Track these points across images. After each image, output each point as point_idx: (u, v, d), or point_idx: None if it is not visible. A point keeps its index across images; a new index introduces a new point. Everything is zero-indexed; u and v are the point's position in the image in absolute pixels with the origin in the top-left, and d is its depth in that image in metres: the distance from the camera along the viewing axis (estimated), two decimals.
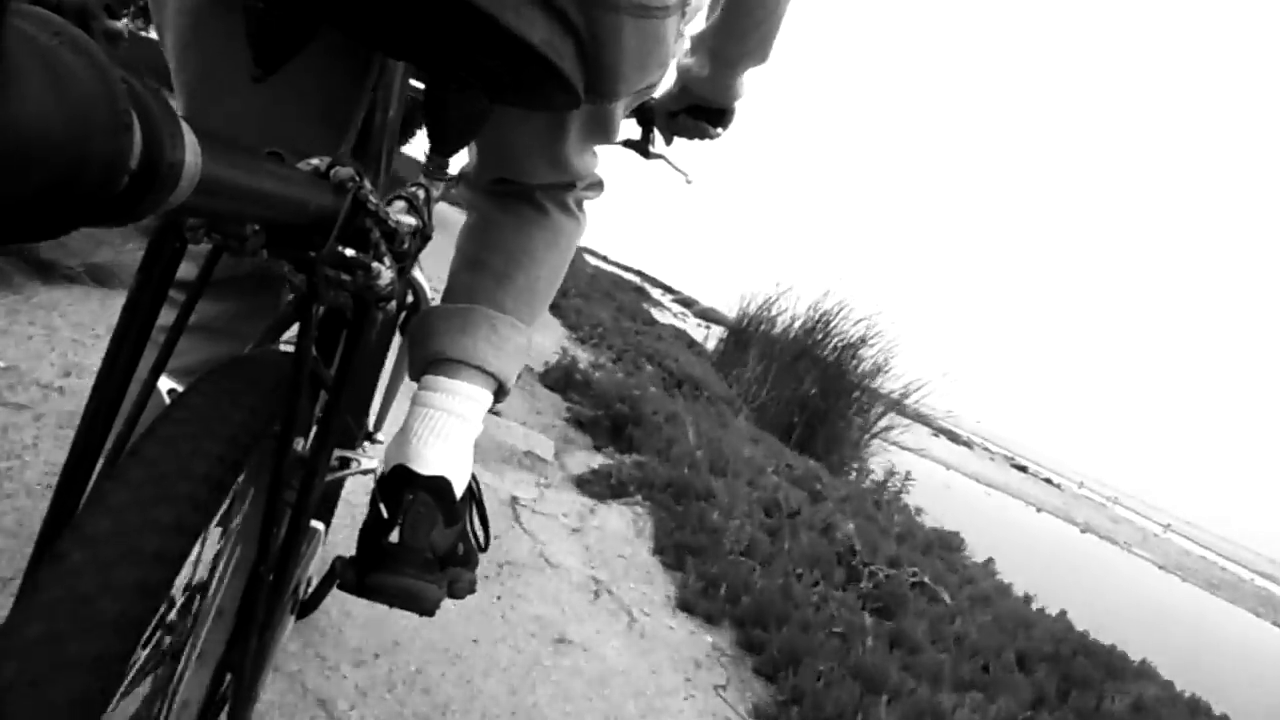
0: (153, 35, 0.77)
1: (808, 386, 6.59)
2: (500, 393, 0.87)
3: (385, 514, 0.76)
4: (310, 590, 0.85)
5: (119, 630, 0.38)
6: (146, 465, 0.43)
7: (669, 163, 1.18)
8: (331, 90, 0.76)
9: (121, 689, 0.58)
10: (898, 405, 7.22)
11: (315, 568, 0.98)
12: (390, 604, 0.75)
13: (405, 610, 0.76)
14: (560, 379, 3.69)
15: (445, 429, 0.79)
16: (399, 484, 0.77)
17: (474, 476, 0.86)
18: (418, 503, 0.75)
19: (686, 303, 16.53)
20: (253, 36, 0.54)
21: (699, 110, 1.05)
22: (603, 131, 0.88)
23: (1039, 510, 14.64)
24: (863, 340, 7.12)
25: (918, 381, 7.24)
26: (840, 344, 7.12)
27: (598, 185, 1.01)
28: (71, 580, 0.38)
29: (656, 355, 5.13)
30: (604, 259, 15.87)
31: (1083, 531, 14.47)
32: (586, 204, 1.01)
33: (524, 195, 0.93)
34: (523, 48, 0.53)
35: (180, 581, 0.63)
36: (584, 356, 4.35)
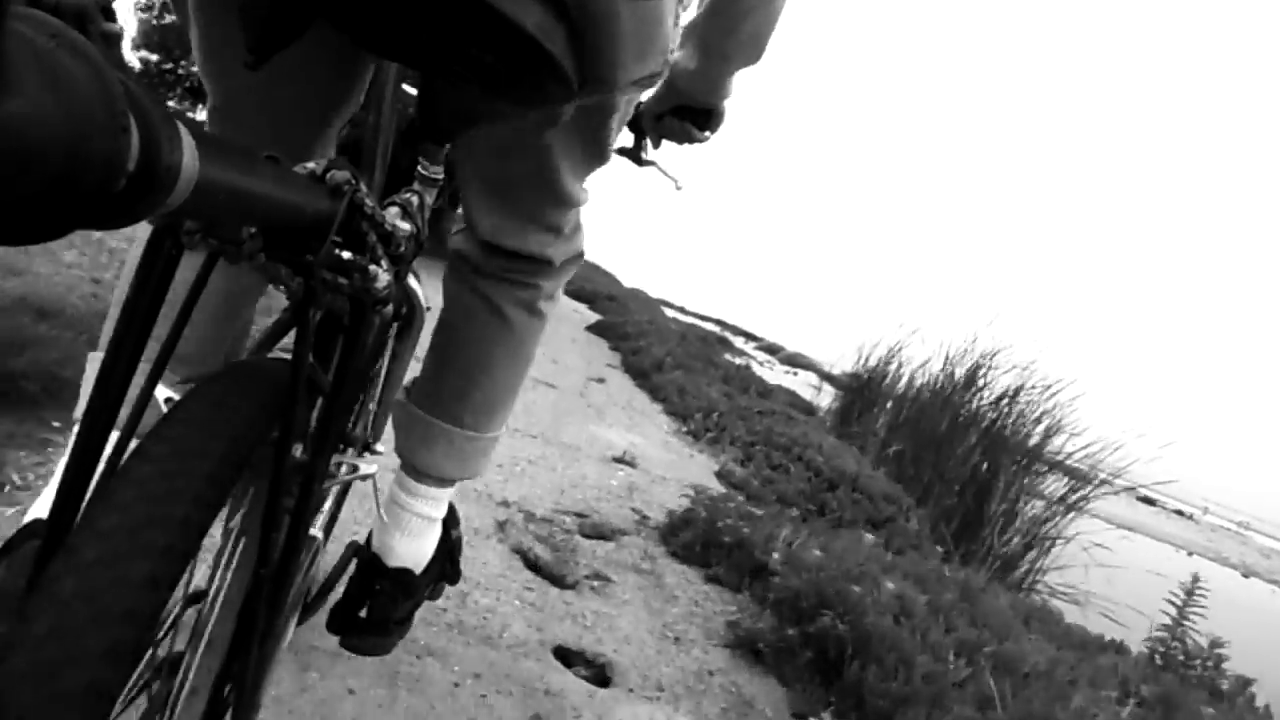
0: None
1: (973, 459, 5.14)
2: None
3: (358, 594, 0.95)
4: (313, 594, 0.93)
5: (119, 646, 0.38)
6: (145, 474, 0.43)
7: (660, 169, 1.17)
8: (326, 95, 0.76)
9: (121, 702, 0.57)
10: (1085, 474, 5.24)
11: (315, 576, 0.97)
12: (358, 654, 0.98)
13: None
14: (696, 542, 2.25)
15: (410, 527, 0.94)
16: (371, 572, 0.94)
17: (450, 507, 1.02)
18: (384, 591, 0.93)
19: (771, 349, 16.05)
20: (247, 22, 0.54)
21: (685, 111, 1.04)
22: (598, 152, 0.87)
23: (1189, 554, 12.32)
24: (1026, 394, 5.48)
25: (1104, 442, 5.23)
26: (1005, 401, 5.51)
27: (576, 259, 1.00)
28: (71, 593, 0.38)
29: (794, 446, 3.90)
30: (682, 310, 15.76)
31: (1245, 576, 12.15)
32: (559, 292, 1.02)
33: (486, 298, 0.93)
34: (516, 33, 0.53)
35: (180, 592, 0.63)
36: (702, 462, 3.36)
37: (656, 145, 1.12)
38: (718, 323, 17.25)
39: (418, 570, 0.95)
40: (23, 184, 0.21)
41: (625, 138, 1.13)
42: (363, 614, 0.94)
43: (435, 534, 0.99)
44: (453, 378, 0.95)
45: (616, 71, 0.65)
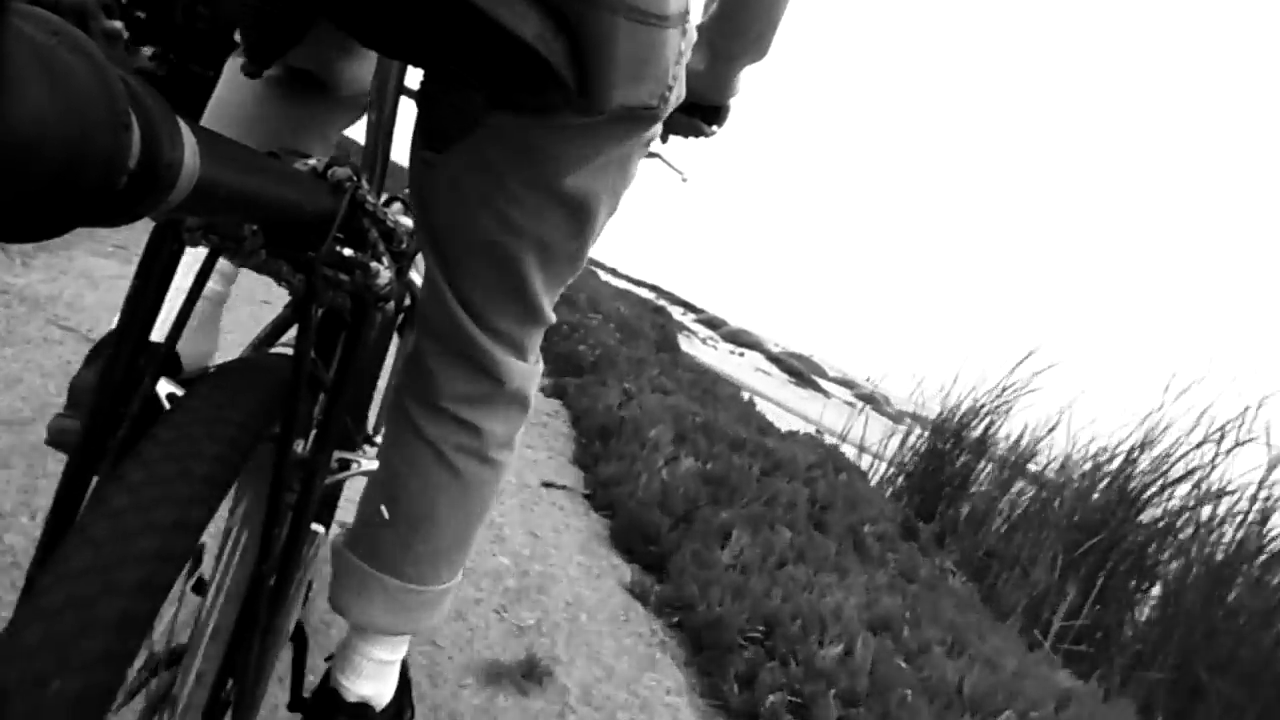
0: None
1: None
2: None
3: None
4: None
5: (120, 631, 0.38)
6: (147, 469, 0.43)
7: (665, 161, 1.18)
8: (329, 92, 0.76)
9: (124, 693, 0.58)
10: None
11: (314, 572, 0.97)
12: None
13: None
14: None
15: (364, 670, 0.90)
16: (329, 707, 0.90)
17: (404, 664, 0.98)
18: None
19: (712, 323, 13.94)
20: (246, 32, 0.54)
21: (693, 108, 1.05)
22: (572, 262, 0.80)
23: None
24: None
25: None
26: None
27: (524, 405, 0.88)
28: (73, 584, 0.38)
29: None
30: (613, 272, 13.81)
31: None
32: (515, 439, 0.90)
33: (434, 448, 0.83)
34: (515, 43, 0.53)
35: (181, 586, 0.63)
36: None
37: (664, 140, 1.13)
38: (652, 289, 15.11)
39: (377, 707, 0.92)
40: (24, 181, 0.21)
41: None
42: None
43: (394, 674, 0.95)
44: (393, 526, 0.85)
45: (609, 91, 0.63)
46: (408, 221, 0.74)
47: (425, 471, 0.83)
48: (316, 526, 0.86)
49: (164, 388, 0.64)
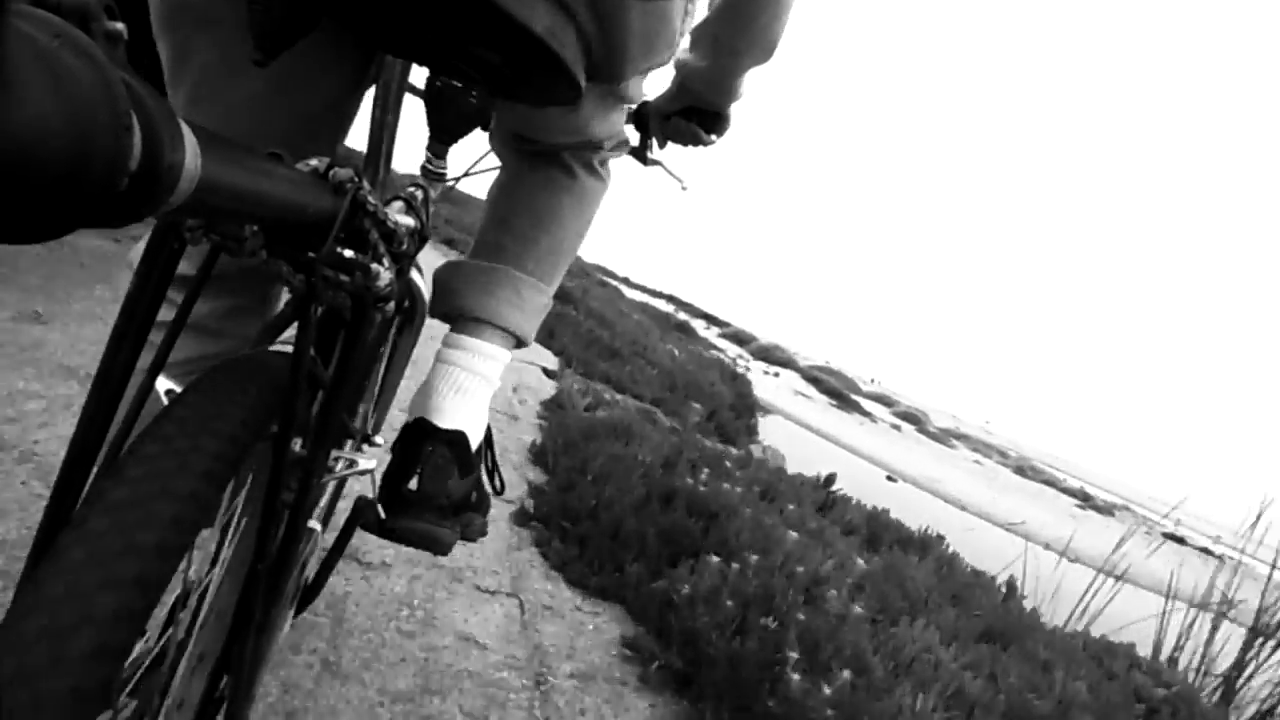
0: None
1: None
2: (519, 345, 0.94)
3: (405, 462, 0.83)
4: (335, 536, 0.89)
5: (117, 625, 0.38)
6: (144, 464, 0.43)
7: (665, 169, 1.18)
8: (332, 91, 0.76)
9: (118, 689, 0.58)
10: None
11: (312, 568, 0.98)
12: (409, 545, 0.82)
13: (422, 550, 0.84)
14: None
15: (465, 386, 0.86)
16: (419, 436, 0.84)
17: (488, 426, 0.92)
18: (436, 454, 0.83)
19: (740, 339, 13.09)
20: (255, 21, 0.54)
21: (694, 113, 1.05)
22: (619, 95, 0.90)
23: None
24: None
25: None
26: None
27: (624, 144, 1.03)
28: (69, 578, 0.38)
29: None
30: (626, 282, 13.33)
31: None
32: (611, 162, 1.04)
33: (550, 155, 0.96)
34: (525, 36, 0.54)
35: (178, 581, 0.64)
36: None
37: (662, 145, 1.13)
38: (669, 299, 14.33)
39: (473, 441, 0.85)
40: (25, 183, 0.21)
41: (631, 136, 1.13)
42: (412, 486, 0.82)
43: (486, 403, 0.89)
44: (520, 224, 0.94)
45: (625, 66, 0.68)
46: (409, 221, 0.75)
47: (547, 174, 0.96)
48: (313, 524, 0.87)
49: (163, 384, 0.64)
